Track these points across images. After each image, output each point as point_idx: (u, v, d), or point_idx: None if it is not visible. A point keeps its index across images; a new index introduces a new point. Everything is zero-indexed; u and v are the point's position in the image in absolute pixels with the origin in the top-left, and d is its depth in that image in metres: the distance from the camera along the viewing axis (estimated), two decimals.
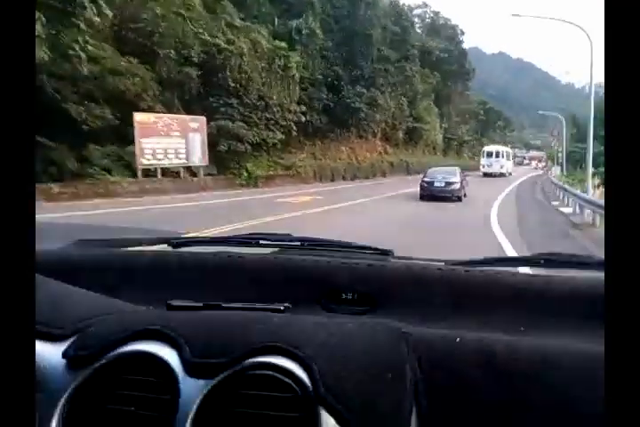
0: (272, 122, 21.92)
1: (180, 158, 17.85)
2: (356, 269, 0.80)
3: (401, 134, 34.88)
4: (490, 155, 35.34)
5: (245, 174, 21.34)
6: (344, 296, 0.76)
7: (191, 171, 19.18)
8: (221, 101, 20.11)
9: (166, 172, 17.75)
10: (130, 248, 1.02)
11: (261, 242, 1.01)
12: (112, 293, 0.69)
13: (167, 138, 16.99)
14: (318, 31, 24.21)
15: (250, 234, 1.07)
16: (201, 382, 0.47)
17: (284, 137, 22.61)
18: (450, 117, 48.06)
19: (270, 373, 0.46)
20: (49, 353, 0.51)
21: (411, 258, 0.98)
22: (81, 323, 0.55)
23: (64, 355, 0.51)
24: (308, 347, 0.48)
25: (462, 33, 47.55)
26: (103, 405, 0.48)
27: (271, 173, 22.41)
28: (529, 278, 0.79)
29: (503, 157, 35.62)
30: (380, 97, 28.83)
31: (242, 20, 22.24)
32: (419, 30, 42.26)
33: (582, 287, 0.73)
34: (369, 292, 0.76)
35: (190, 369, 0.47)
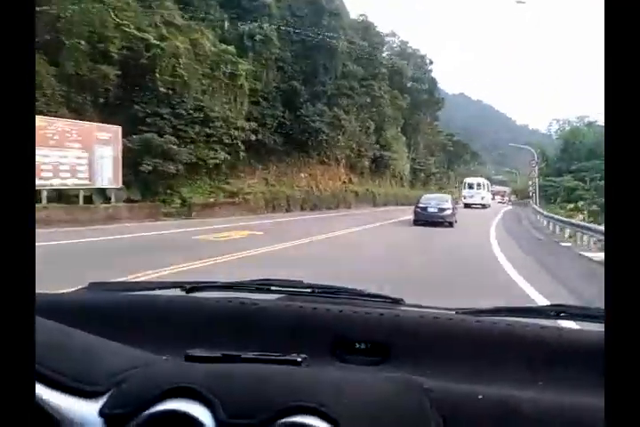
0: (214, 139, 18.14)
1: (80, 178, 13.63)
2: (367, 319, 0.79)
3: (367, 162, 31.64)
4: (471, 186, 35.62)
5: (178, 201, 17.26)
6: (357, 346, 0.76)
7: (105, 195, 14.93)
8: (148, 110, 16.17)
9: (64, 195, 13.42)
10: (143, 292, 1.03)
11: (272, 288, 1.03)
12: (127, 340, 0.67)
13: (60, 150, 12.81)
14: (274, 39, 20.93)
15: (261, 280, 1.07)
16: None
17: (229, 157, 18.86)
18: (417, 148, 45.79)
19: None
20: (85, 411, 0.50)
21: (421, 306, 0.96)
22: (113, 378, 0.53)
23: (101, 413, 0.50)
24: (337, 406, 0.47)
25: (431, 62, 45.97)
26: None
27: (212, 200, 18.39)
28: (540, 331, 0.76)
29: (484, 188, 35.72)
30: (345, 118, 25.83)
31: (184, 19, 18.64)
32: (386, 55, 40.06)
33: (594, 341, 0.71)
34: (382, 341, 0.75)
35: None
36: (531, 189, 45.62)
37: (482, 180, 37.49)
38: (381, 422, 0.47)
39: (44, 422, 0.48)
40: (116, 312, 0.83)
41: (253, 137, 20.06)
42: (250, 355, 0.60)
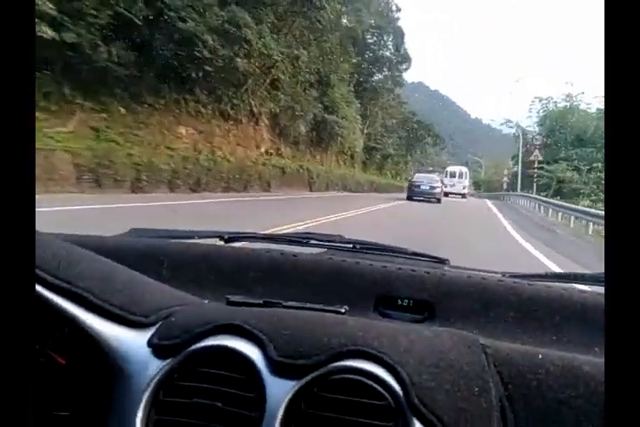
0: None
1: None
2: (413, 276, 0.77)
3: (303, 127, 21.86)
4: (453, 175, 34.46)
5: None
6: (400, 303, 0.73)
7: None
8: None
9: None
10: (183, 240, 1.00)
11: (312, 242, 1.00)
12: (168, 283, 0.66)
13: None
14: None
15: (300, 233, 1.05)
16: (287, 382, 0.45)
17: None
18: (375, 120, 36.48)
19: (359, 377, 0.44)
20: (133, 340, 0.51)
21: (467, 268, 0.93)
22: (161, 312, 0.53)
23: (149, 343, 0.50)
24: (394, 353, 0.45)
25: (398, 9, 35.97)
26: (190, 398, 0.46)
27: None
28: (599, 298, 0.70)
29: (465, 178, 34.46)
30: (263, 33, 13.90)
31: None
32: None
33: None
34: (426, 300, 0.73)
35: (276, 368, 0.46)
36: (506, 179, 38.15)
37: (464, 169, 36.42)
38: (442, 374, 0.45)
39: (92, 349, 0.48)
40: (157, 257, 0.82)
41: (69, 38, 9.79)
42: (291, 303, 0.58)
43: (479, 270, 0.89)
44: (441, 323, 0.69)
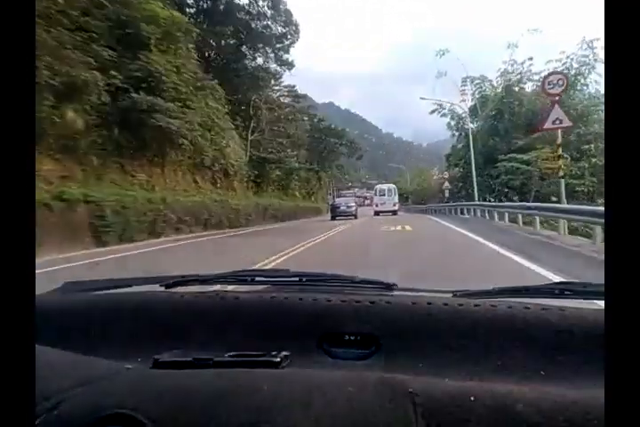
0: None
1: None
2: (357, 308, 0.73)
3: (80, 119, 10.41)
4: (382, 193, 33.39)
5: None
6: (347, 338, 0.70)
7: None
8: None
9: None
10: (120, 290, 0.97)
11: (257, 279, 0.97)
12: (97, 343, 0.65)
13: None
14: None
15: (245, 271, 1.03)
16: None
17: None
18: (261, 122, 25.89)
19: None
20: None
21: (416, 290, 0.91)
22: (45, 403, 0.48)
23: None
24: (303, 423, 0.43)
25: None
26: None
27: None
28: (542, 313, 0.69)
29: (394, 194, 33.23)
30: None
31: None
32: None
33: (598, 320, 0.65)
34: (372, 333, 0.69)
35: None
36: (447, 185, 29.19)
37: (392, 186, 35.38)
38: None
39: None
40: (87, 315, 0.78)
41: None
42: (225, 357, 0.56)
43: (427, 291, 0.87)
44: (387, 357, 0.66)
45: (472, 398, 0.46)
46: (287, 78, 31.30)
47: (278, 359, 0.56)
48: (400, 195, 42.06)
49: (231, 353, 0.56)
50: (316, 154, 41.37)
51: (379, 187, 35.76)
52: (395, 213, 31.39)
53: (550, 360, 0.61)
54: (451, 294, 0.82)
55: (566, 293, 0.82)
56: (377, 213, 31.20)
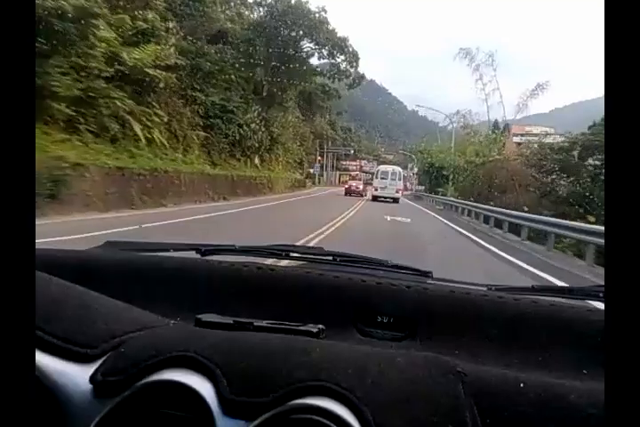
0: None
1: None
2: (393, 291, 0.71)
3: None
4: (385, 176, 27.50)
5: None
6: (380, 319, 0.68)
7: None
8: None
9: None
10: (158, 253, 0.95)
11: (292, 254, 0.95)
12: (136, 300, 0.63)
13: None
14: None
15: (280, 245, 0.98)
16: (239, 422, 0.41)
17: None
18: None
19: (318, 418, 0.39)
20: (77, 376, 0.45)
21: (451, 280, 0.88)
22: (111, 341, 0.48)
23: (92, 380, 0.45)
24: (360, 388, 0.41)
25: None
26: None
27: None
28: (587, 314, 0.67)
29: (399, 178, 27.76)
30: None
31: None
32: None
33: None
34: (408, 316, 0.68)
35: (227, 407, 0.42)
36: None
37: (397, 169, 29.35)
38: (412, 410, 0.40)
39: (36, 387, 0.43)
40: (129, 272, 0.78)
41: None
42: (263, 323, 0.55)
43: (463, 283, 0.84)
44: (422, 341, 0.65)
45: (521, 385, 0.43)
46: None
47: (316, 330, 0.54)
48: (428, 172, 33.59)
49: (269, 321, 0.55)
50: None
51: (381, 168, 30.52)
52: (396, 200, 26.76)
53: (594, 361, 0.58)
54: (486, 288, 0.80)
55: None
56: (375, 199, 26.69)
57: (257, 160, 24.50)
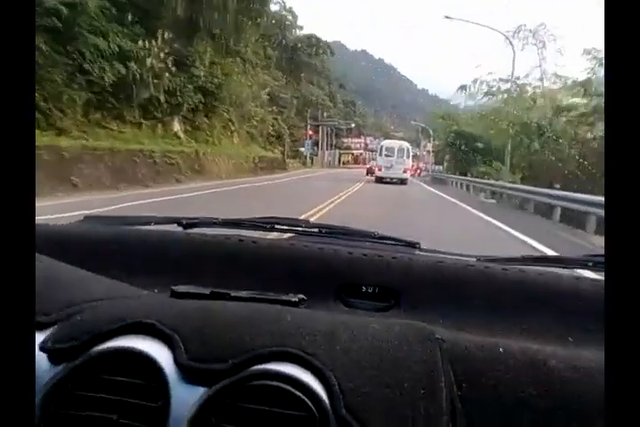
0: None
1: None
2: (379, 262, 0.70)
3: None
4: (390, 153, 22.53)
5: None
6: (364, 290, 0.67)
7: None
8: None
9: None
10: (138, 227, 0.93)
11: (276, 226, 0.93)
12: (115, 272, 0.63)
13: None
14: None
15: (264, 218, 0.95)
16: (196, 389, 0.39)
17: None
18: None
19: (279, 384, 0.37)
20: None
21: (439, 251, 0.87)
22: (69, 309, 0.46)
23: (41, 347, 0.43)
24: (326, 354, 0.39)
25: None
26: (81, 409, 0.40)
27: None
28: (575, 282, 0.66)
29: (407, 156, 22.72)
30: None
31: None
32: None
33: None
34: (392, 286, 0.67)
35: (185, 374, 0.39)
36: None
37: (404, 144, 23.40)
38: (382, 376, 0.39)
39: None
40: (108, 245, 0.75)
41: None
42: (242, 293, 0.53)
43: (452, 254, 0.83)
44: (406, 311, 0.64)
45: (501, 350, 0.42)
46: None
47: (296, 300, 0.53)
48: (454, 145, 23.94)
49: (248, 291, 0.54)
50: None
51: (385, 144, 24.49)
52: (404, 181, 21.91)
53: (581, 328, 0.58)
54: (475, 259, 0.78)
55: (600, 265, 0.75)
56: (379, 180, 21.94)
57: (177, 126, 14.61)
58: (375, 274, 0.67)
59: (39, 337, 0.42)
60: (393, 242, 0.87)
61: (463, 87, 25.82)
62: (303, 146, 38.29)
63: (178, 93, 14.05)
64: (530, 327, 0.59)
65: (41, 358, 0.41)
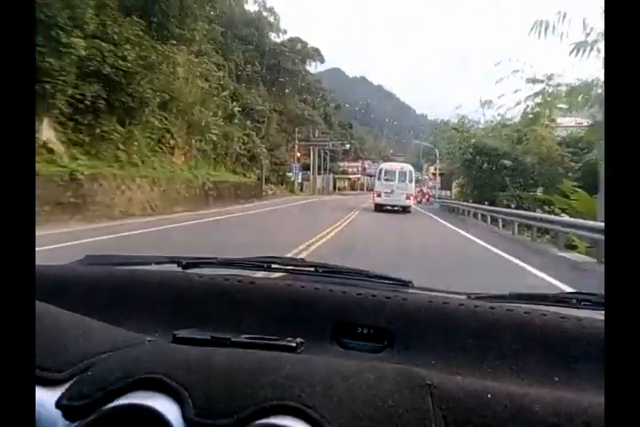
0: None
1: None
2: (372, 302, 0.72)
3: None
4: (391, 177, 19.60)
5: None
6: (360, 331, 0.69)
7: None
8: None
9: None
10: (138, 267, 0.94)
11: (273, 266, 0.94)
12: (116, 315, 0.65)
13: None
14: None
15: (262, 257, 0.97)
16: None
17: None
18: None
19: None
20: (45, 401, 0.45)
21: (431, 289, 0.88)
22: (80, 365, 0.48)
23: (58, 404, 0.44)
24: (323, 406, 0.41)
25: None
26: None
27: None
28: (560, 321, 0.67)
29: (409, 180, 19.65)
30: None
31: None
32: None
33: None
34: (386, 327, 0.68)
35: None
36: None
37: (407, 167, 20.41)
38: (374, 425, 0.40)
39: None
40: (108, 287, 0.77)
41: None
42: (242, 338, 0.56)
43: (443, 292, 0.84)
44: (399, 352, 0.65)
45: (489, 396, 0.44)
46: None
47: (294, 344, 0.55)
48: (471, 162, 18.97)
49: (247, 335, 0.56)
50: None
51: (385, 167, 21.27)
52: (406, 209, 19.02)
53: (566, 368, 0.60)
54: (465, 296, 0.80)
55: (584, 303, 0.79)
56: (379, 207, 19.01)
57: (47, 132, 9.16)
58: (369, 314, 0.69)
59: (55, 394, 0.44)
60: (387, 281, 0.88)
61: (487, 102, 20.74)
62: (291, 170, 33.02)
63: (45, 77, 8.55)
64: (518, 368, 0.60)
65: (57, 415, 0.43)
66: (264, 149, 23.06)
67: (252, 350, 0.51)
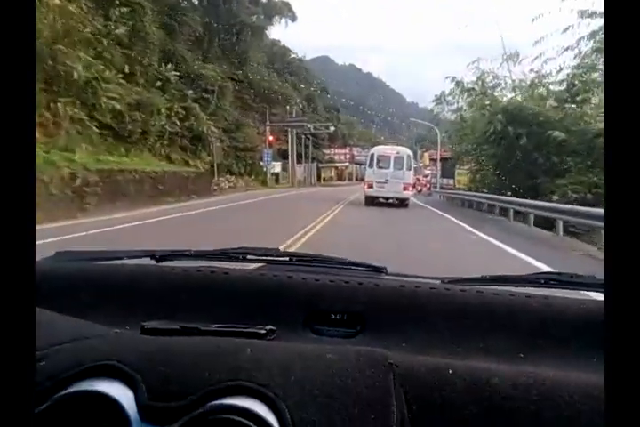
0: None
1: None
2: (345, 288, 0.73)
3: None
4: (385, 163, 15.62)
5: None
6: (333, 317, 0.69)
7: None
8: None
9: None
10: (110, 262, 0.93)
11: (248, 257, 0.94)
12: (87, 310, 0.65)
13: None
14: None
15: (237, 248, 0.97)
16: None
17: None
18: None
19: (233, 417, 0.38)
20: None
21: (405, 275, 0.90)
22: (36, 354, 0.47)
23: None
24: (279, 386, 0.41)
25: None
26: None
27: None
28: (527, 300, 0.70)
29: (407, 167, 15.64)
30: None
31: None
32: None
33: (583, 310, 0.67)
34: (359, 312, 0.69)
35: (146, 413, 0.40)
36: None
37: (403, 150, 16.28)
38: (334, 403, 0.40)
39: None
40: (78, 282, 0.76)
41: None
42: (212, 327, 0.55)
43: (417, 277, 0.85)
44: (372, 336, 0.65)
45: (450, 372, 0.45)
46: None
47: (264, 331, 0.55)
48: (495, 137, 13.76)
49: (217, 325, 0.56)
50: None
51: (378, 151, 16.43)
52: (403, 202, 15.16)
53: (531, 344, 0.62)
54: (439, 281, 0.81)
55: (551, 282, 0.82)
56: (370, 200, 15.27)
57: None
58: (342, 300, 0.69)
59: None
60: (361, 268, 0.89)
61: (513, 56, 15.15)
62: (262, 158, 27.22)
63: None
64: (486, 346, 0.62)
65: None
66: (214, 129, 17.27)
67: (220, 337, 0.50)
